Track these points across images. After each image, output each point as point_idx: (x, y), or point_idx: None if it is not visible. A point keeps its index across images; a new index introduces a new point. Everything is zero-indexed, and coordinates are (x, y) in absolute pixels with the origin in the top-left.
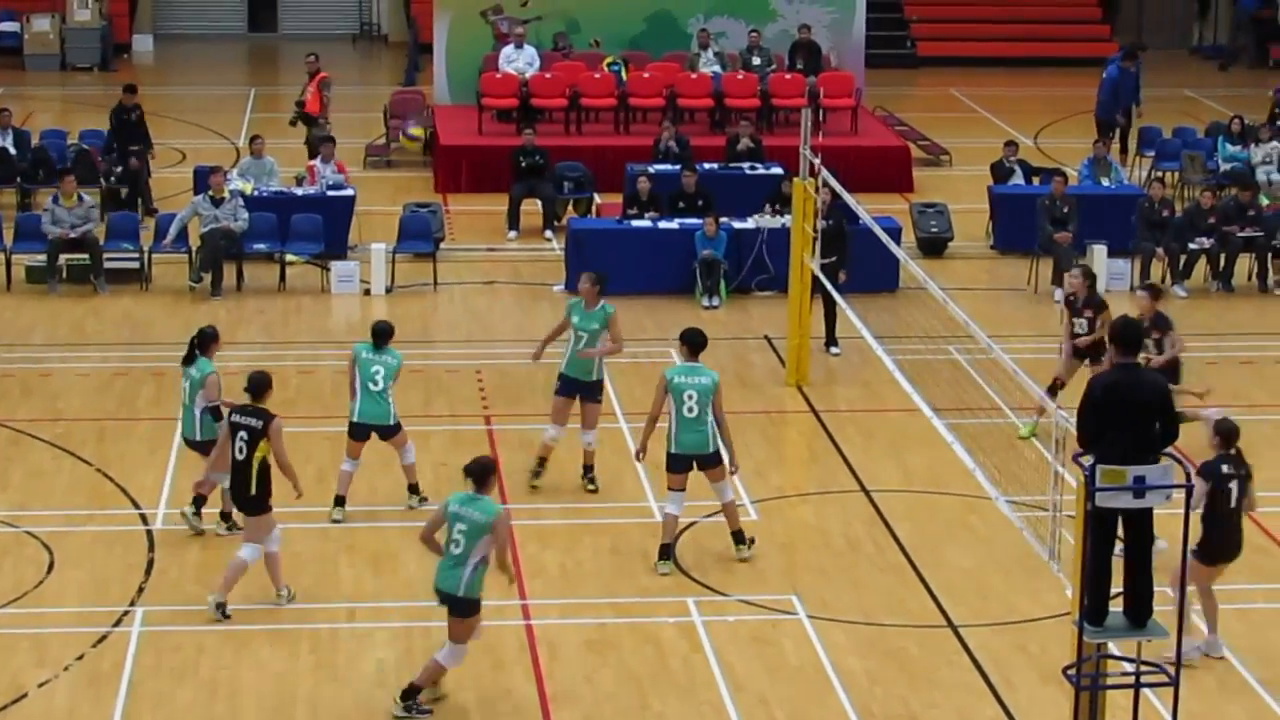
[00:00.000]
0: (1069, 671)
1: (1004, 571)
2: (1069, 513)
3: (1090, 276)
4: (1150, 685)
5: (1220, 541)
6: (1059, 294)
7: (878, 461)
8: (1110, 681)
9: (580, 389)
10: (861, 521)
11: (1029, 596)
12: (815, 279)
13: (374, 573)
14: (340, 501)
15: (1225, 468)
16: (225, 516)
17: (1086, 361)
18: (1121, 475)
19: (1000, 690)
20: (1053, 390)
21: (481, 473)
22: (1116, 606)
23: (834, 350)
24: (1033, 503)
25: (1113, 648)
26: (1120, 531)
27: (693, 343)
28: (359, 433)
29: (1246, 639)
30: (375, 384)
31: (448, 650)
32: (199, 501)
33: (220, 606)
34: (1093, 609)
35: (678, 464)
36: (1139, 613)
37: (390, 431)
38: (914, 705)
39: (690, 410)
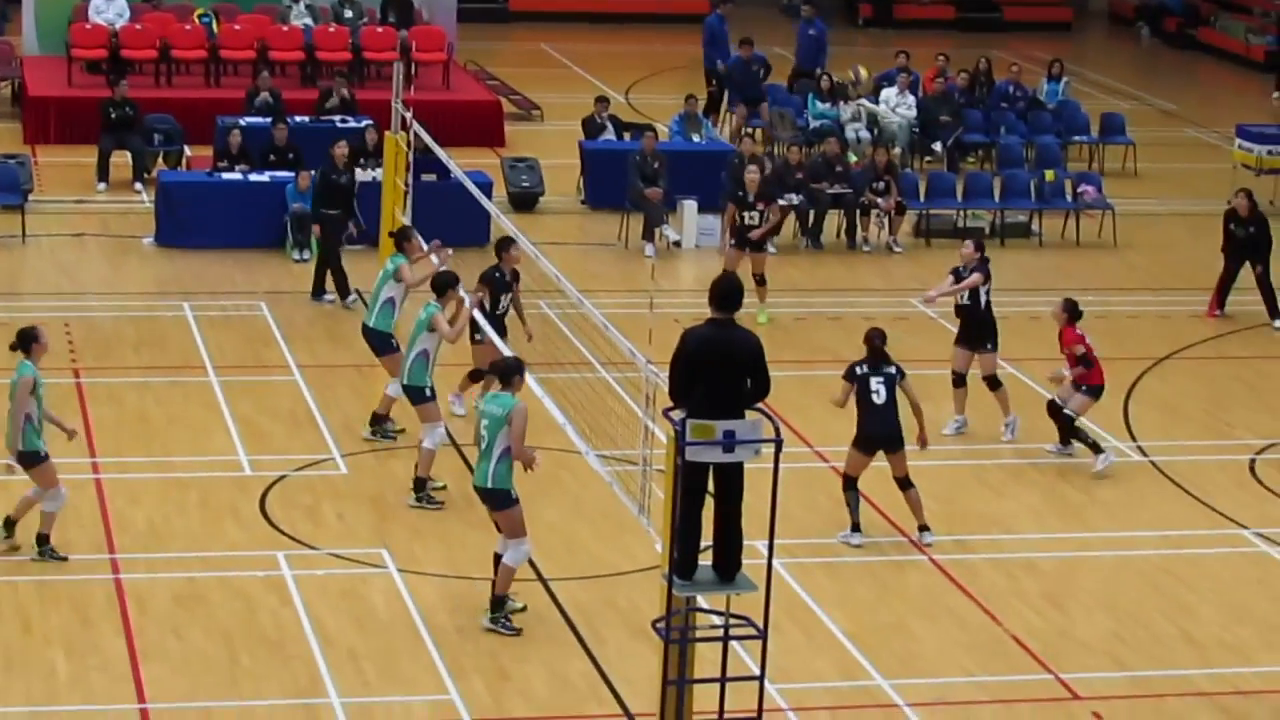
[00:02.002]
0: (658, 625)
1: (594, 526)
2: (659, 467)
3: (763, 169)
4: (738, 638)
5: None
6: (650, 249)
7: (467, 415)
8: (699, 635)
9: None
10: (451, 476)
11: (619, 551)
12: None
13: None
14: None
15: None
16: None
17: (748, 250)
18: (711, 430)
19: (590, 643)
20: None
21: (505, 371)
22: (706, 560)
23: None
24: (623, 457)
25: (702, 601)
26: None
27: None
28: None
29: (833, 592)
30: None
31: (509, 550)
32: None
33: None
34: (682, 563)
35: None
36: (728, 567)
37: None
38: (503, 659)
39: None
